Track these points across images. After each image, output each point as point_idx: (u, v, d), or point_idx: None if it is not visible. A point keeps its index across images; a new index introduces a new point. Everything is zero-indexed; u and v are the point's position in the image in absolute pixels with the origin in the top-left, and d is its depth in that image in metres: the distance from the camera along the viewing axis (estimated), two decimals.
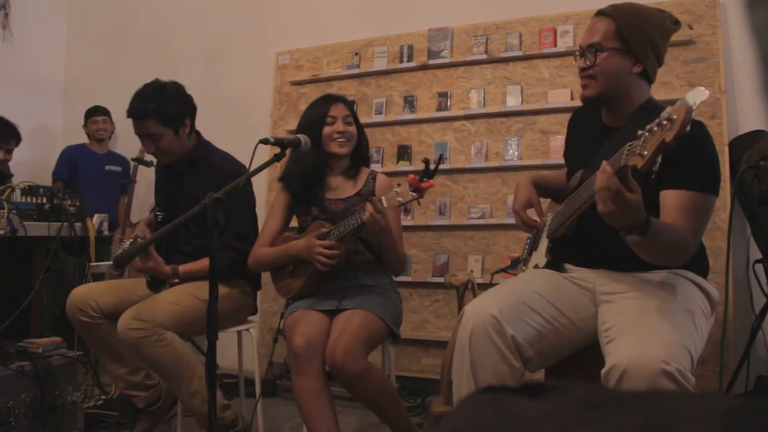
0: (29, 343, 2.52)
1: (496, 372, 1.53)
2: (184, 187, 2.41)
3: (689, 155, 1.38)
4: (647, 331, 1.41)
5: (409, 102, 3.60)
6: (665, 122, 1.20)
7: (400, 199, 1.90)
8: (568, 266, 1.78)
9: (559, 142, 3.09)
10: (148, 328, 2.09)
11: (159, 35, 4.56)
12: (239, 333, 2.51)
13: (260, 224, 2.47)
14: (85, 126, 4.41)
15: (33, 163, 4.56)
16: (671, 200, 1.53)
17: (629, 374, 1.31)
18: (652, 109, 1.64)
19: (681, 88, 3.04)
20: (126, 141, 4.52)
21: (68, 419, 2.53)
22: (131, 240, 2.40)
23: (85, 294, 2.32)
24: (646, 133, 1.24)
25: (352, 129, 2.27)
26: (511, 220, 2.23)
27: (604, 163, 1.34)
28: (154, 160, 3.83)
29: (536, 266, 1.84)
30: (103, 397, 2.88)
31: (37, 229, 2.70)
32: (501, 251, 3.32)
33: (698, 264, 1.66)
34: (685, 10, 3.07)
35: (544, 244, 1.86)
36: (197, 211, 1.73)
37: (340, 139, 2.24)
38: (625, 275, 1.63)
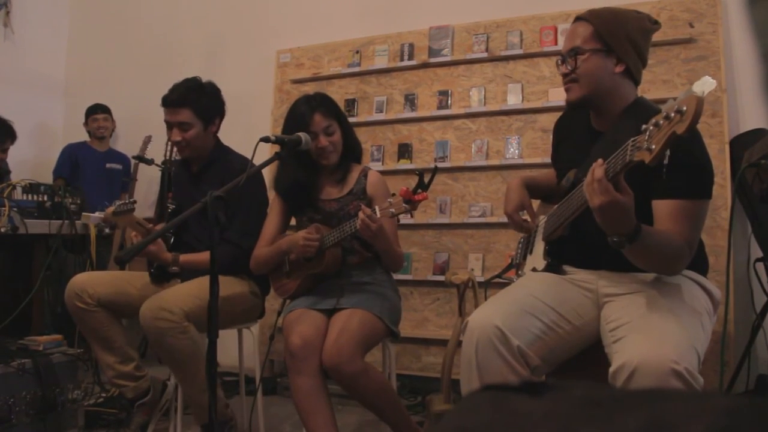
0: (30, 341, 2.53)
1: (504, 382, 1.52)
2: (200, 186, 2.42)
3: (680, 163, 1.38)
4: (657, 330, 1.40)
5: (410, 100, 3.60)
6: (674, 114, 1.18)
7: (392, 210, 1.90)
8: (567, 268, 1.77)
9: None
10: (174, 319, 2.08)
11: (160, 33, 4.56)
12: (239, 331, 2.52)
13: None
14: (85, 124, 4.41)
15: (34, 161, 4.57)
16: (664, 209, 1.52)
17: (639, 373, 1.31)
18: (641, 108, 1.64)
19: (682, 87, 3.04)
20: (127, 139, 4.53)
21: (69, 417, 2.53)
22: (124, 201, 2.36)
23: (85, 281, 2.33)
24: (651, 128, 1.23)
25: (334, 138, 2.22)
26: None
27: (599, 160, 1.35)
28: (155, 158, 3.87)
29: (534, 269, 1.83)
30: (103, 395, 2.88)
31: (38, 226, 2.70)
32: (502, 249, 3.32)
33: (698, 263, 1.65)
34: (686, 8, 3.07)
35: (540, 246, 1.85)
36: (199, 209, 1.74)
37: (323, 154, 2.22)
38: (627, 276, 1.63)
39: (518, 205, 1.87)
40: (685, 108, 1.16)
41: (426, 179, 1.90)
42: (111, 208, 2.33)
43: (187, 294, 2.17)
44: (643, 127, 1.25)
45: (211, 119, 2.44)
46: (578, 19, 1.71)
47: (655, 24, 1.71)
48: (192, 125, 2.39)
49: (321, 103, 2.23)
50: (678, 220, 1.50)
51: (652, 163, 1.23)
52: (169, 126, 2.42)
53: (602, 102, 1.69)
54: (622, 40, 1.64)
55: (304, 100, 2.25)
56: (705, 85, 1.19)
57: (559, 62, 1.73)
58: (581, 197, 1.52)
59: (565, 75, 1.70)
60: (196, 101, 2.38)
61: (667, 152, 1.22)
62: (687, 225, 1.50)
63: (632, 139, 1.29)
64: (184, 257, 2.34)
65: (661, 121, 1.21)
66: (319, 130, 2.19)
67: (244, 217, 2.37)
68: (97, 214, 2.59)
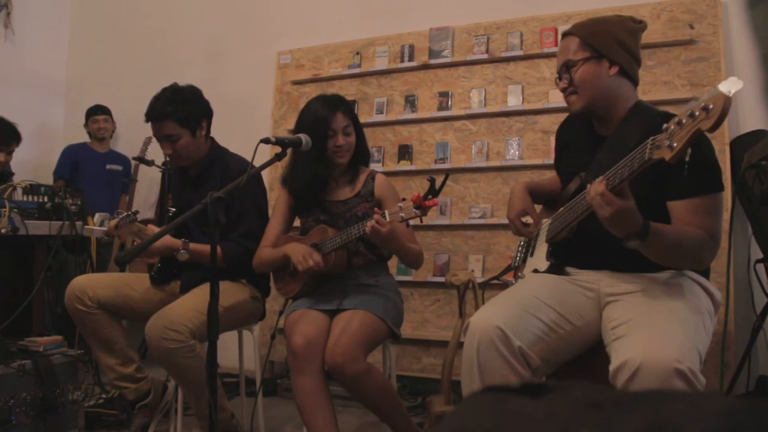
0: (30, 342, 2.53)
1: (505, 383, 1.53)
2: (199, 190, 2.41)
3: (691, 163, 1.39)
4: (659, 329, 1.41)
5: (410, 101, 3.60)
6: (699, 112, 1.19)
7: (402, 215, 1.90)
8: (570, 269, 1.78)
9: None
10: (180, 338, 2.07)
11: (160, 34, 4.57)
12: (240, 332, 2.52)
13: None
14: (86, 125, 4.41)
15: (34, 162, 4.56)
16: (681, 208, 1.55)
17: (642, 372, 1.31)
18: (642, 111, 1.67)
19: (682, 88, 3.04)
20: (127, 140, 4.53)
21: (69, 418, 2.53)
22: (126, 213, 2.37)
23: (84, 284, 2.34)
24: (673, 126, 1.24)
25: (351, 139, 2.24)
26: None
27: (599, 178, 1.40)
28: (155, 160, 3.87)
29: (536, 271, 1.84)
30: (103, 395, 2.88)
31: (38, 227, 2.70)
32: (502, 251, 3.32)
33: None
34: (687, 9, 3.07)
35: (542, 248, 1.85)
36: (199, 211, 1.74)
37: (339, 152, 2.22)
38: (631, 276, 1.64)
39: (521, 210, 1.89)
40: (712, 105, 1.18)
41: (437, 185, 1.90)
42: (114, 221, 2.33)
43: (190, 309, 2.15)
44: (664, 126, 1.26)
45: (196, 124, 2.40)
46: (565, 35, 1.75)
47: (640, 23, 1.74)
48: (179, 135, 2.36)
49: (342, 102, 2.26)
50: (698, 215, 1.53)
51: (672, 160, 1.24)
52: (159, 139, 2.41)
53: (605, 107, 1.71)
54: (610, 43, 1.67)
55: (323, 100, 2.26)
56: (732, 85, 1.19)
57: (557, 80, 1.76)
58: (587, 201, 1.53)
59: (564, 90, 1.73)
60: (176, 111, 2.34)
61: (689, 150, 1.24)
62: (707, 218, 1.53)
63: (651, 138, 1.30)
64: (193, 244, 2.31)
65: (684, 120, 1.22)
66: (339, 129, 2.20)
67: (245, 220, 2.37)
68: (99, 227, 2.61)
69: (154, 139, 3.98)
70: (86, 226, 2.77)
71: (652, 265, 1.55)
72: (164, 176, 3.84)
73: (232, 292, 2.32)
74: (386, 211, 1.95)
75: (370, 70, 3.71)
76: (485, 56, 3.43)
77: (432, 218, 3.44)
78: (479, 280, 2.91)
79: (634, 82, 1.73)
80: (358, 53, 3.76)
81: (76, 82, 4.93)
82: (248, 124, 3.94)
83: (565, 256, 1.79)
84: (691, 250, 1.52)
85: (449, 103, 3.51)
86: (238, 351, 2.55)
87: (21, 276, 2.90)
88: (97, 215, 3.00)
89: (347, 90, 3.74)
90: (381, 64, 3.69)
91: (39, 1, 4.75)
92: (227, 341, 2.30)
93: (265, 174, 2.62)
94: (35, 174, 4.03)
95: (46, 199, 2.79)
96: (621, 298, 1.61)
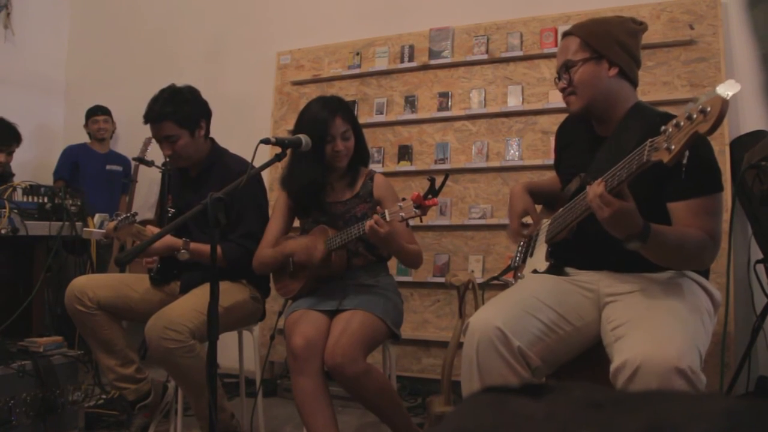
0: (30, 342, 2.53)
1: (505, 383, 1.53)
2: (199, 191, 2.41)
3: (690, 163, 1.40)
4: (659, 328, 1.42)
5: (410, 102, 3.60)
6: (696, 115, 1.19)
7: (402, 214, 1.90)
8: (569, 270, 1.78)
9: None
10: (180, 338, 2.07)
11: (160, 35, 4.57)
12: (239, 333, 2.52)
13: None
14: (86, 125, 4.41)
15: (34, 162, 4.56)
16: (681, 210, 1.55)
17: (643, 371, 1.31)
18: (642, 111, 1.68)
19: (682, 88, 3.04)
20: (127, 140, 4.54)
21: (69, 418, 2.53)
22: (125, 215, 2.37)
23: (84, 284, 2.34)
24: (671, 129, 1.25)
25: (350, 143, 2.23)
26: None
27: (599, 179, 1.41)
28: (155, 160, 3.87)
29: (535, 271, 1.84)
30: (103, 396, 2.88)
31: (38, 228, 2.70)
32: (502, 251, 3.32)
33: None
34: (686, 9, 3.07)
35: (542, 249, 1.85)
36: (199, 211, 1.74)
37: (337, 157, 2.22)
38: (630, 276, 1.64)
39: (521, 211, 1.89)
40: (709, 108, 1.18)
41: (437, 185, 1.90)
42: (112, 223, 2.33)
43: (190, 309, 2.15)
44: (662, 128, 1.26)
45: (195, 124, 2.40)
46: (565, 35, 1.76)
47: (640, 25, 1.74)
48: (179, 136, 2.36)
49: (341, 106, 2.24)
50: (698, 216, 1.53)
51: (670, 163, 1.25)
52: (158, 140, 2.41)
53: (604, 108, 1.71)
54: (610, 44, 1.67)
55: (322, 102, 2.24)
56: (729, 87, 1.19)
57: (556, 80, 1.76)
58: (586, 202, 1.53)
59: (563, 90, 1.73)
60: (175, 112, 2.34)
61: (686, 152, 1.24)
62: (707, 219, 1.54)
63: (650, 140, 1.31)
64: (194, 244, 2.30)
65: (682, 122, 1.22)
66: (337, 134, 2.19)
67: (245, 221, 2.37)
68: (98, 230, 2.61)
69: (153, 140, 4.00)
70: (85, 228, 2.77)
71: (652, 265, 1.55)
72: (164, 177, 3.84)
73: (232, 293, 2.32)
74: (386, 211, 1.95)
75: (370, 70, 3.71)
76: (485, 57, 3.43)
77: (432, 219, 3.44)
78: (479, 280, 2.91)
79: (634, 83, 1.73)
80: (358, 54, 3.76)
81: (76, 82, 4.93)
82: (248, 125, 3.95)
83: (564, 257, 1.79)
84: (692, 251, 1.52)
85: (449, 103, 3.51)
86: (238, 351, 2.55)
87: (21, 276, 2.90)
88: (96, 216, 3.00)
89: (347, 90, 3.74)
90: (381, 64, 3.69)
91: (39, 1, 4.76)
92: (227, 341, 2.30)
93: (265, 174, 2.61)
94: (35, 174, 4.03)
95: (46, 200, 2.79)
96: (620, 299, 1.61)
